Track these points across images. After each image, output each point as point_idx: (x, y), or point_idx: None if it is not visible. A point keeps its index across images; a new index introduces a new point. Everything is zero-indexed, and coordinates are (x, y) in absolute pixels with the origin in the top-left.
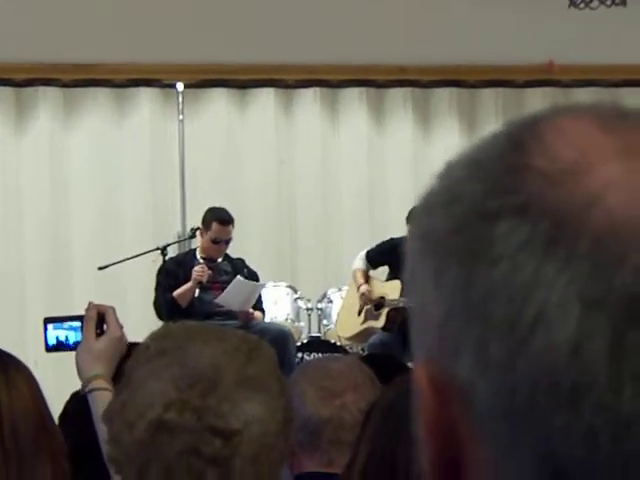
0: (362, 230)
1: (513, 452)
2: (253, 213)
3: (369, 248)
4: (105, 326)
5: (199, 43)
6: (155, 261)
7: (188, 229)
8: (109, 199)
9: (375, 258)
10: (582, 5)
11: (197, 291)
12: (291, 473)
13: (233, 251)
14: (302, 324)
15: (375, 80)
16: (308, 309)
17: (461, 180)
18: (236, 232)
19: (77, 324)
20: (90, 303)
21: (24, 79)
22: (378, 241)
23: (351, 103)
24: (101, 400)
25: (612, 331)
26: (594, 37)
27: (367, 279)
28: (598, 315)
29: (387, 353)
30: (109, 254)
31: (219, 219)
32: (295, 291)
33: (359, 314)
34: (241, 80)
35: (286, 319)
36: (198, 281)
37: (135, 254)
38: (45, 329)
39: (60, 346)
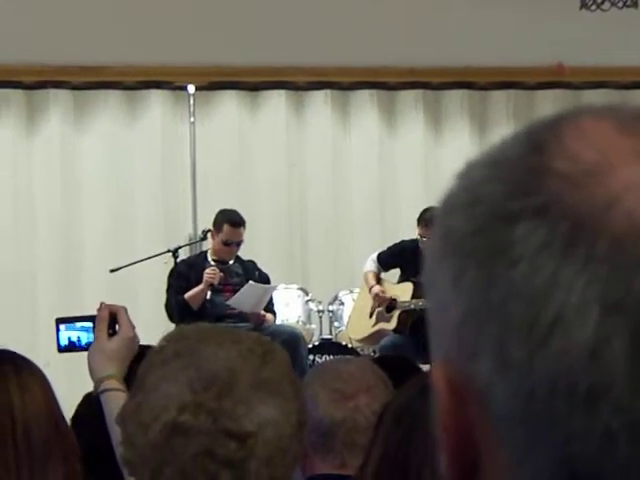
0: (373, 232)
1: (530, 456)
2: (264, 215)
3: (380, 250)
4: (117, 326)
5: (210, 45)
6: (167, 263)
7: (199, 231)
8: (120, 201)
9: (386, 260)
10: (593, 7)
11: (209, 293)
12: (303, 475)
13: (244, 253)
14: (313, 326)
15: (386, 82)
16: (319, 311)
17: (481, 181)
18: (247, 234)
19: (89, 324)
20: (102, 303)
21: (35, 81)
22: (389, 243)
23: (362, 105)
24: (114, 400)
25: (630, 333)
26: (605, 39)
27: (378, 281)
28: (616, 317)
29: (399, 355)
30: (120, 256)
31: (230, 221)
32: (306, 293)
33: (370, 316)
34: (252, 82)
35: (297, 321)
36: (209, 283)
37: (146, 256)
38: (57, 330)
39: (72, 347)
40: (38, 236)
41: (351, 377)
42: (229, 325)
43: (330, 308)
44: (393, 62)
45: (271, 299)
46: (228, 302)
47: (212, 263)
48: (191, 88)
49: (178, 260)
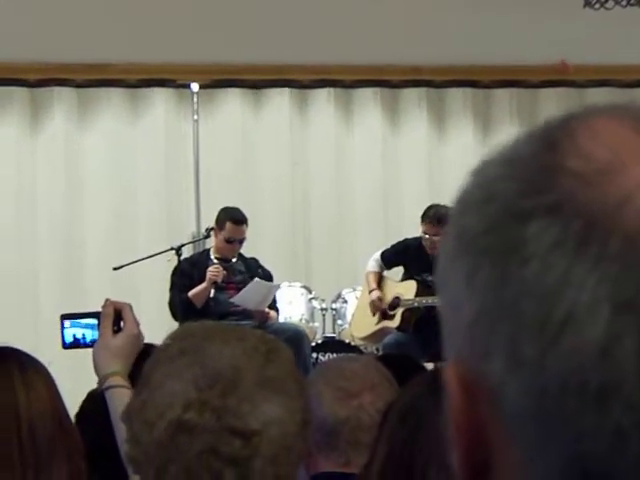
0: (376, 230)
1: (541, 454)
2: (267, 213)
3: (384, 249)
4: (122, 323)
5: (214, 43)
6: (170, 261)
7: (202, 229)
8: (123, 199)
9: (390, 259)
10: (597, 5)
11: (212, 291)
12: (307, 473)
13: (247, 251)
14: (317, 324)
15: (389, 80)
16: (322, 309)
17: (495, 179)
18: (250, 232)
19: (93, 321)
20: (107, 300)
21: (38, 80)
22: (392, 241)
23: (365, 103)
24: (118, 397)
25: None
26: (609, 37)
27: (380, 281)
28: (627, 316)
29: (402, 353)
30: (123, 254)
31: (233, 219)
32: (310, 291)
33: (374, 314)
34: (255, 80)
35: (300, 319)
36: (213, 281)
37: (149, 254)
38: (62, 326)
39: (77, 344)
40: (41, 234)
41: (355, 375)
42: (232, 323)
43: (333, 306)
44: (396, 60)
45: (274, 297)
46: (232, 299)
47: (215, 261)
48: (194, 86)
49: (181, 258)
